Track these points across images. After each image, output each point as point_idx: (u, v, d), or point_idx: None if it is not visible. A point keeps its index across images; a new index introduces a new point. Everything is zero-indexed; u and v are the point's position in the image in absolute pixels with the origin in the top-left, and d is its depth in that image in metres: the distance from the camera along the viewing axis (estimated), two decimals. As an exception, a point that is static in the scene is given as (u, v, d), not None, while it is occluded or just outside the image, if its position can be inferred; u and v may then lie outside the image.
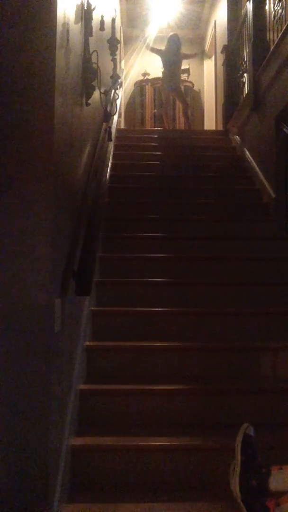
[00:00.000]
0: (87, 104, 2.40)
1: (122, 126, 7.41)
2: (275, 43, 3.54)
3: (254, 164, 4.31)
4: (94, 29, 2.49)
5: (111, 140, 4.06)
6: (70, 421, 1.82)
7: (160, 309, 2.68)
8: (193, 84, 7.96)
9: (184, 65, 7.96)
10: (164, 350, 2.41)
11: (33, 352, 1.45)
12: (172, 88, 6.38)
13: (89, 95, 2.38)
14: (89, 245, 2.05)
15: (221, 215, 3.71)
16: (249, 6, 4.52)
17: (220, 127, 6.18)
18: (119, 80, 4.31)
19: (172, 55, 6.29)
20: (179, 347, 2.43)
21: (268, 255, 3.22)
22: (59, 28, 1.56)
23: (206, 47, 7.92)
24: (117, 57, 3.71)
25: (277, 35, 3.56)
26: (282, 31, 3.37)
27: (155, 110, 7.58)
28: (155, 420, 2.10)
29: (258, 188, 4.07)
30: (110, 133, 3.75)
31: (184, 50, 8.30)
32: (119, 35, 5.73)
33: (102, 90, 2.79)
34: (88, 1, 2.31)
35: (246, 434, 1.61)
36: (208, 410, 2.13)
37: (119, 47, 3.76)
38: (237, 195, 4.05)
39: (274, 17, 3.79)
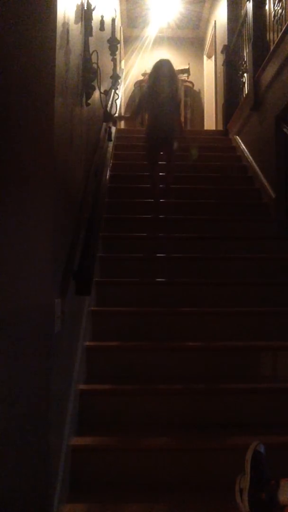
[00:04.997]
0: (87, 104, 2.40)
1: (122, 126, 7.41)
2: (275, 43, 3.54)
3: (254, 164, 4.31)
4: (94, 29, 2.49)
5: (111, 140, 4.07)
6: (70, 421, 1.82)
7: (160, 309, 2.68)
8: (193, 84, 7.97)
9: (184, 65, 7.98)
10: (164, 350, 2.41)
11: (33, 352, 1.44)
12: (163, 138, 3.55)
13: (89, 95, 2.38)
14: (89, 245, 2.05)
15: (221, 215, 3.71)
16: (249, 6, 4.53)
17: (220, 127, 6.18)
18: (119, 80, 4.31)
19: (167, 87, 3.54)
20: (179, 347, 2.43)
21: (268, 255, 3.23)
22: (59, 28, 1.56)
23: (206, 47, 7.93)
24: (117, 57, 3.71)
25: (277, 35, 3.56)
26: (282, 31, 3.37)
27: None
28: (155, 420, 2.10)
29: (258, 188, 4.07)
30: (110, 133, 3.75)
31: (183, 53, 8.19)
32: (119, 35, 5.75)
33: (102, 90, 2.79)
34: (88, 1, 2.31)
35: (256, 450, 1.62)
36: (208, 410, 2.12)
37: (119, 47, 3.76)
38: (237, 195, 4.05)
39: (274, 17, 3.79)
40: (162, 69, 3.57)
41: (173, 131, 3.59)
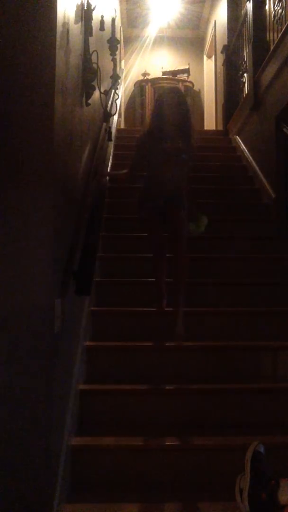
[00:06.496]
0: (87, 104, 2.40)
1: (122, 126, 7.41)
2: (275, 43, 3.54)
3: (254, 164, 4.31)
4: (94, 29, 2.49)
5: (111, 140, 4.07)
6: (70, 421, 1.82)
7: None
8: (193, 84, 7.97)
9: (184, 65, 7.98)
10: (164, 349, 2.41)
11: (33, 352, 1.44)
12: (167, 200, 2.60)
13: (89, 95, 2.38)
14: (89, 245, 2.05)
15: (221, 215, 3.70)
16: (249, 6, 4.53)
17: (220, 127, 6.18)
18: (119, 80, 4.31)
19: (174, 125, 2.57)
20: (179, 346, 2.43)
21: (268, 255, 3.22)
22: (59, 28, 1.56)
23: (206, 47, 7.93)
24: (117, 57, 3.72)
25: (277, 35, 3.56)
26: (282, 31, 3.37)
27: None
28: (155, 420, 2.10)
29: (258, 188, 4.07)
30: (110, 133, 3.75)
31: (183, 53, 8.17)
32: (119, 35, 5.74)
33: (102, 90, 2.79)
34: (88, 1, 2.31)
35: (256, 450, 1.62)
36: (208, 410, 2.13)
37: (119, 47, 3.76)
38: (237, 195, 4.05)
39: (274, 17, 3.79)
40: (165, 101, 2.58)
41: (182, 195, 2.60)
